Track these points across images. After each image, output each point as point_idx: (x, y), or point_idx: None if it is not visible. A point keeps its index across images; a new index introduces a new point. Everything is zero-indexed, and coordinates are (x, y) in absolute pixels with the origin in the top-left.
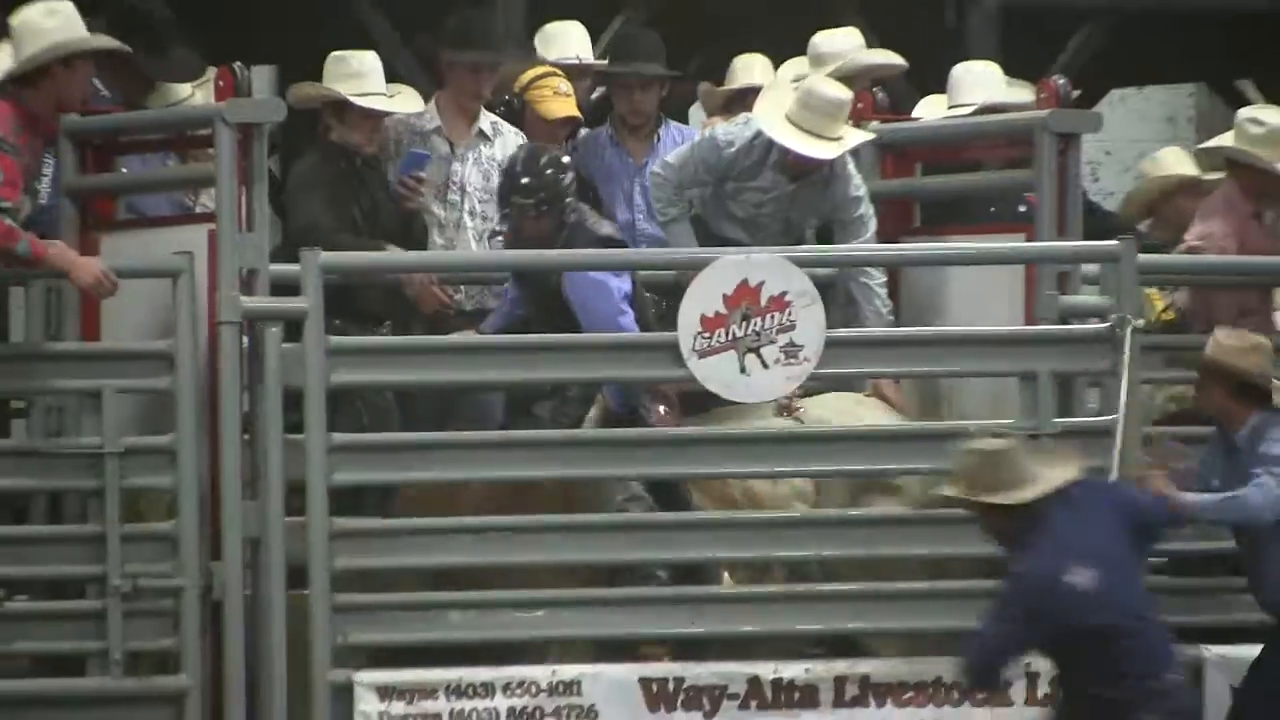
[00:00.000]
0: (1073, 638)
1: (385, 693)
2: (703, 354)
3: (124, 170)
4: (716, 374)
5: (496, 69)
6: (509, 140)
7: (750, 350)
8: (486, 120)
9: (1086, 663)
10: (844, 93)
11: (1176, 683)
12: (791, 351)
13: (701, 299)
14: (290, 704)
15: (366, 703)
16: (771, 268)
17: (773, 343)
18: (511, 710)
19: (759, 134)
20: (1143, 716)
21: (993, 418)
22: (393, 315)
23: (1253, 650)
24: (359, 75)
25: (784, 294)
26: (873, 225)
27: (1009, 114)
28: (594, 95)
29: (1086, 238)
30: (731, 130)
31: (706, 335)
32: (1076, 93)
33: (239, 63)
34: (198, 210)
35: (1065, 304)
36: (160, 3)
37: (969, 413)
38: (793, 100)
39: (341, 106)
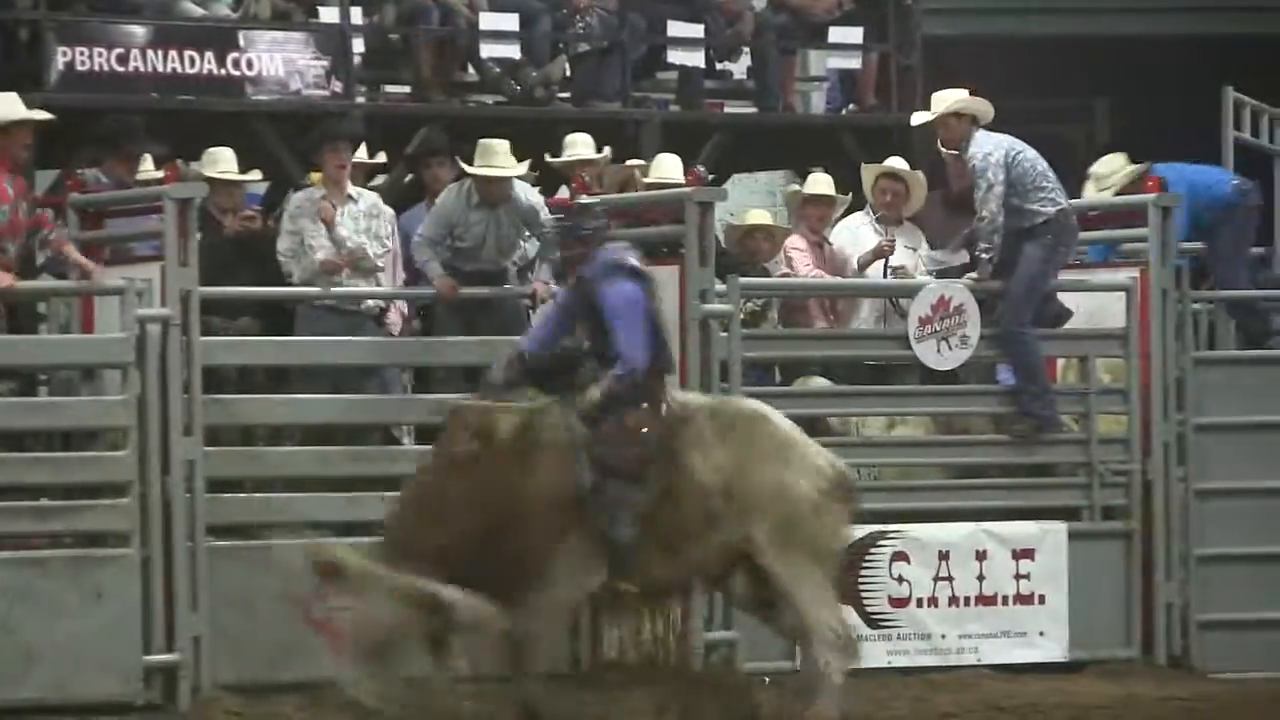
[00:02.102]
0: None
1: None
2: None
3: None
4: None
5: (352, 153)
6: (368, 198)
7: None
8: (353, 188)
9: None
10: (504, 142)
11: None
12: None
13: None
14: None
15: None
16: None
17: None
18: None
19: (462, 184)
20: None
21: None
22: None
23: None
24: (216, 162)
25: None
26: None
27: (670, 190)
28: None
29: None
30: (445, 195)
31: None
32: (711, 177)
33: (180, 159)
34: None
35: (703, 310)
36: (139, 119)
37: None
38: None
39: (211, 181)
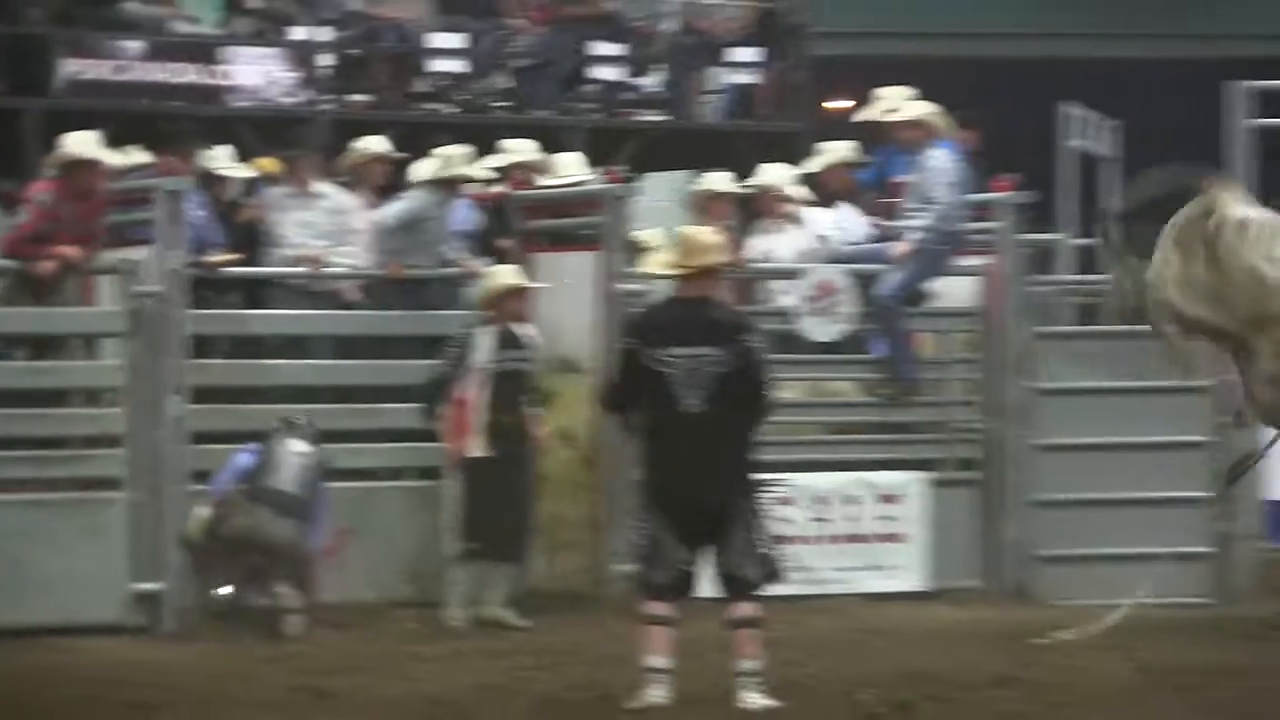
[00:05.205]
0: None
1: None
2: None
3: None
4: None
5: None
6: (334, 197)
7: None
8: (318, 186)
9: None
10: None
11: None
12: None
13: None
14: None
15: None
16: None
17: None
18: None
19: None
20: None
21: None
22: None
23: None
24: (214, 158)
25: None
26: None
27: (593, 186)
28: None
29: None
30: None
31: None
32: (628, 175)
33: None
34: None
35: (618, 289)
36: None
37: None
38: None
39: (207, 174)
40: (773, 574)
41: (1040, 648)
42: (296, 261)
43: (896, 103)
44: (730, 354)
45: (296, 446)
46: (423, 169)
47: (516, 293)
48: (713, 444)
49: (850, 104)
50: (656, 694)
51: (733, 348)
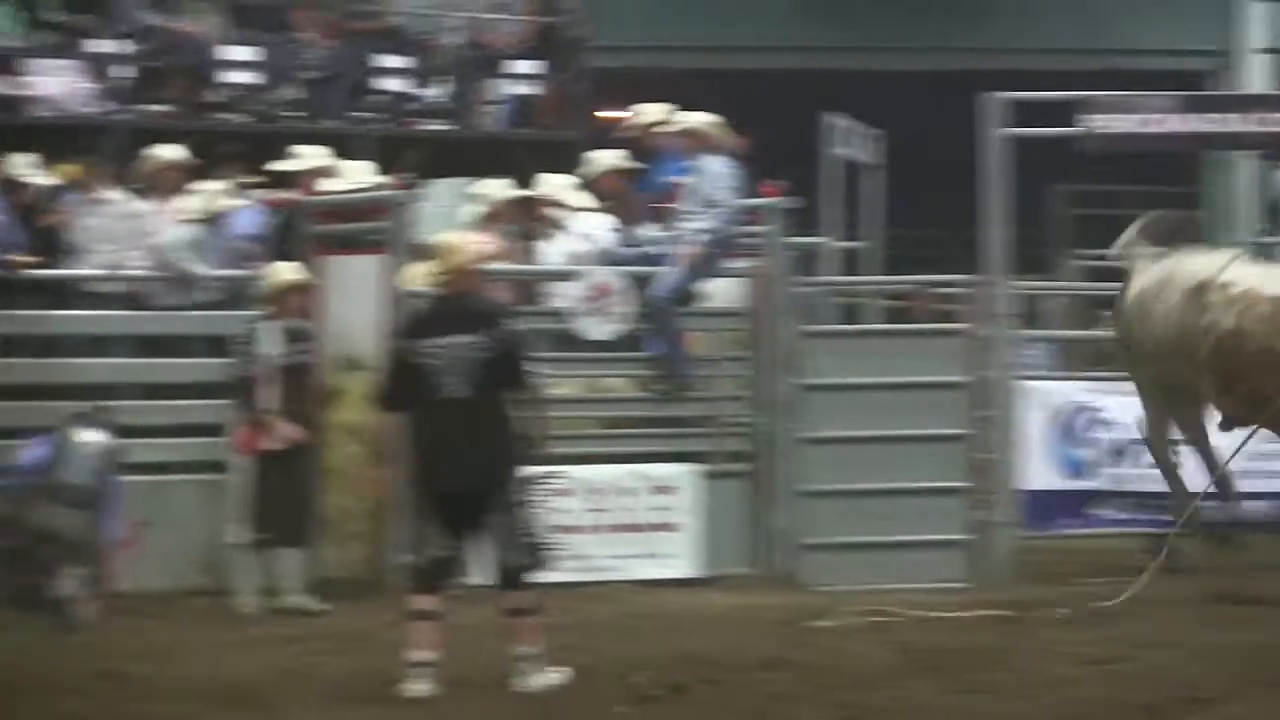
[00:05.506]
0: None
1: None
2: None
3: None
4: None
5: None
6: (122, 203)
7: None
8: (106, 193)
9: None
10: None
11: None
12: None
13: None
14: None
15: None
16: None
17: None
18: None
19: None
20: None
21: None
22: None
23: None
24: (17, 165)
25: None
26: None
27: (380, 192)
28: None
29: None
30: None
31: None
32: (413, 181)
33: None
34: None
35: (402, 289)
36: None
37: None
38: None
39: (10, 181)
40: (539, 560)
41: (807, 631)
42: (96, 266)
43: (658, 116)
44: (490, 340)
45: (88, 436)
46: (188, 205)
47: (298, 289)
48: (475, 429)
49: (624, 114)
50: (419, 687)
51: (492, 334)
